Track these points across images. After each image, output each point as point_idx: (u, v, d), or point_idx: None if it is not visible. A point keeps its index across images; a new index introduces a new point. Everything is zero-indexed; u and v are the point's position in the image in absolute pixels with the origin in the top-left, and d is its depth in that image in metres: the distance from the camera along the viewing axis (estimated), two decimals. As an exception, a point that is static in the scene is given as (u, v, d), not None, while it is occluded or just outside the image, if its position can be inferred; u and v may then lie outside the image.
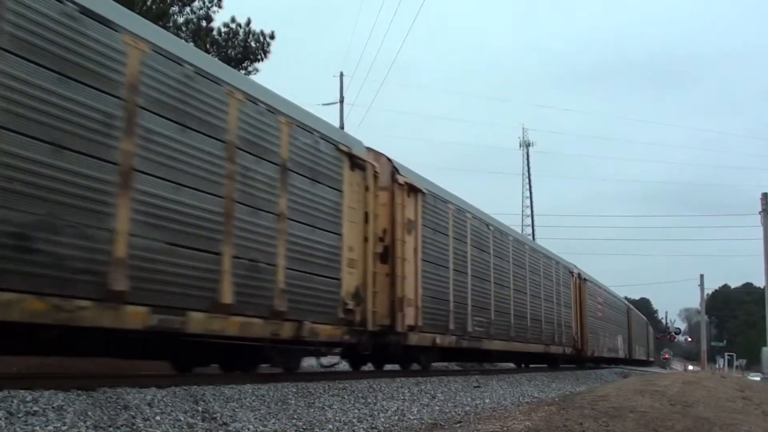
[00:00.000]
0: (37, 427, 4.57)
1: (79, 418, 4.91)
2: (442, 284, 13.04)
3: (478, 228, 15.12)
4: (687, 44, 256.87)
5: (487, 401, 10.12)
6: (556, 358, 21.53)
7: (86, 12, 6.10)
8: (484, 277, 15.19)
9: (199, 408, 6.00)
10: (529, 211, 58.87)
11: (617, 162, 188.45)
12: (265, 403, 6.77)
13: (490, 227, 15.95)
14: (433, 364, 14.22)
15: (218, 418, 5.85)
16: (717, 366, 55.69)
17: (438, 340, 12.68)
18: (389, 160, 11.62)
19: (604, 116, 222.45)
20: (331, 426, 6.49)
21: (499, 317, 15.94)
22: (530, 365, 21.14)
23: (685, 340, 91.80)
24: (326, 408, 7.22)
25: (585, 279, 24.72)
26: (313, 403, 7.32)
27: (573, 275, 23.36)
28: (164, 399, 5.93)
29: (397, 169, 11.68)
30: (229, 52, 17.86)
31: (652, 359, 51.49)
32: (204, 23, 17.79)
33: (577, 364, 24.25)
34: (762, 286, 42.33)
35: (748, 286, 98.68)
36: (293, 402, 7.14)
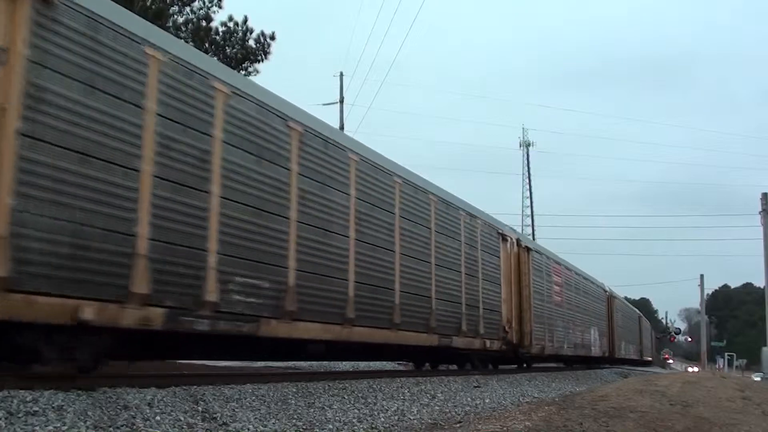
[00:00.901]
0: (37, 427, 4.57)
1: (79, 418, 4.91)
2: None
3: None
4: (686, 44, 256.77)
5: (487, 401, 10.12)
6: (469, 354, 14.74)
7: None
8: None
9: (199, 408, 6.00)
10: (529, 211, 58.80)
11: (617, 162, 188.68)
12: (265, 403, 6.77)
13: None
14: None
15: (218, 418, 5.85)
16: (717, 366, 55.67)
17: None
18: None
19: (604, 116, 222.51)
20: (331, 426, 6.49)
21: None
22: (422, 364, 14.69)
23: (685, 340, 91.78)
24: (326, 408, 7.22)
25: (529, 248, 18.12)
26: (313, 403, 7.32)
27: (507, 240, 16.54)
28: (164, 399, 5.93)
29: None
30: (227, 51, 17.85)
31: (649, 358, 48.52)
32: (204, 23, 17.77)
33: (517, 364, 18.52)
34: (762, 286, 42.37)
35: (748, 286, 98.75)
36: (293, 402, 7.14)
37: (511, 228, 17.94)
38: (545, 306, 18.85)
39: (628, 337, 35.34)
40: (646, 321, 49.18)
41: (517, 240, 17.64)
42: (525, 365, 19.09)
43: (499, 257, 15.81)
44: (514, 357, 17.18)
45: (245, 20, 18.07)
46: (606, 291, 29.76)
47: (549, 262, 19.90)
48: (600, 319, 27.13)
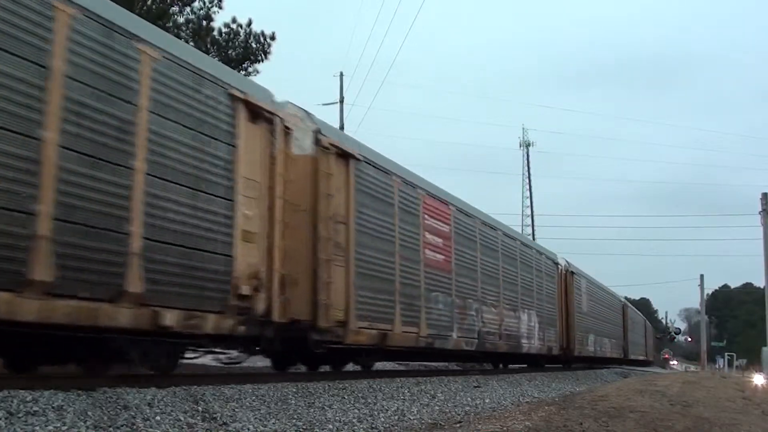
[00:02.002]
0: (37, 427, 4.57)
1: (79, 418, 4.91)
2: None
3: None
4: (684, 44, 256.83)
5: (487, 401, 10.12)
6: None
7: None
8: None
9: (199, 408, 6.00)
10: (529, 211, 58.79)
11: (617, 162, 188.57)
12: (265, 403, 6.77)
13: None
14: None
15: (218, 418, 5.85)
16: (717, 366, 55.62)
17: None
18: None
19: (604, 116, 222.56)
20: (331, 426, 6.50)
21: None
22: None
23: (685, 340, 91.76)
24: (326, 408, 7.22)
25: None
26: (313, 403, 7.32)
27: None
28: (164, 399, 5.93)
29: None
30: (229, 52, 17.86)
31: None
32: (204, 23, 17.77)
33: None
34: (762, 286, 42.31)
35: (748, 286, 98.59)
36: (293, 402, 7.14)
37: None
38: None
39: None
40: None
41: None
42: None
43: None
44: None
45: (249, 23, 18.11)
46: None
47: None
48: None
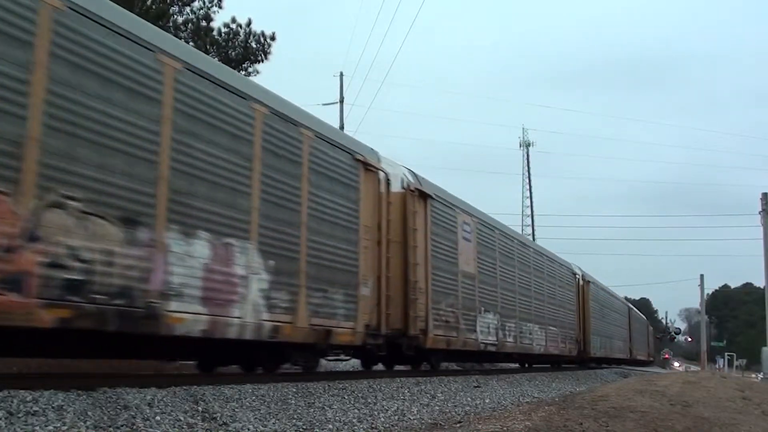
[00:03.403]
0: (37, 427, 4.57)
1: (79, 418, 4.91)
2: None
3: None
4: (685, 44, 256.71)
5: (487, 401, 10.12)
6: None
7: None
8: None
9: (199, 408, 6.00)
10: (529, 211, 58.79)
11: (616, 161, 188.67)
12: (265, 403, 6.77)
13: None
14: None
15: (218, 418, 5.85)
16: (717, 366, 55.61)
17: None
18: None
19: (604, 116, 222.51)
20: (331, 426, 6.49)
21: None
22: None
23: (685, 340, 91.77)
24: (326, 408, 7.22)
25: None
26: (313, 403, 7.32)
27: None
28: (164, 399, 5.93)
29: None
30: (229, 52, 17.85)
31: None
32: (204, 23, 17.77)
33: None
34: (762, 286, 42.31)
35: (748, 286, 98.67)
36: (293, 402, 7.14)
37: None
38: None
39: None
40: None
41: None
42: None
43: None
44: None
45: (249, 23, 18.10)
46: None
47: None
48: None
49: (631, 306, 41.80)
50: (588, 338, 25.07)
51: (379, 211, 10.72)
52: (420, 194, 12.12)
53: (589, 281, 26.20)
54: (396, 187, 11.43)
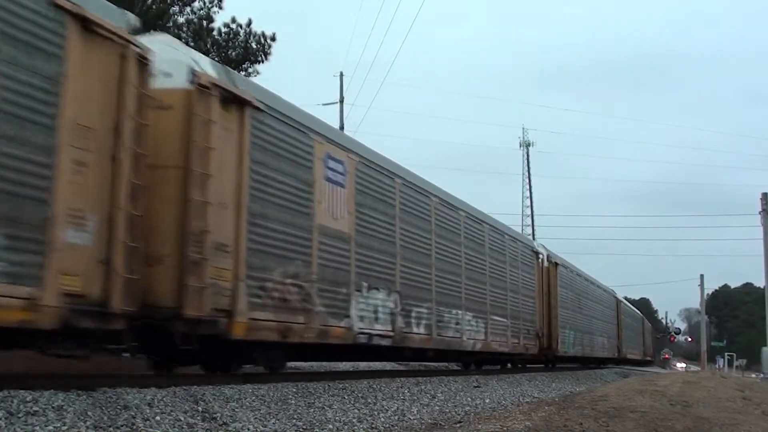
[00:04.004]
0: (37, 427, 4.57)
1: (79, 418, 4.91)
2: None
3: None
4: (685, 44, 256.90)
5: (487, 401, 10.12)
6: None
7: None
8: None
9: (199, 408, 6.00)
10: (529, 211, 58.77)
11: (616, 161, 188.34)
12: (265, 403, 6.77)
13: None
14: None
15: (218, 418, 5.85)
16: (717, 366, 55.61)
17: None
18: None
19: (605, 116, 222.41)
20: (331, 426, 6.50)
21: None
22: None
23: (685, 340, 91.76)
24: (326, 408, 7.22)
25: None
26: (313, 403, 7.32)
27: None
28: (164, 399, 5.93)
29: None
30: (229, 53, 17.85)
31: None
32: (204, 23, 17.77)
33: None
34: (762, 286, 42.27)
35: (748, 286, 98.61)
36: (293, 402, 7.15)
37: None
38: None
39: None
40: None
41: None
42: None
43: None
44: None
45: (249, 23, 18.10)
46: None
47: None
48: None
49: (622, 299, 37.64)
50: (554, 332, 20.30)
51: (118, 106, 6.50)
52: (228, 98, 7.86)
53: (557, 263, 21.47)
54: (169, 78, 7.47)
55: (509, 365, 19.16)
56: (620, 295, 36.30)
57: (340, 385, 8.66)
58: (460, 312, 13.80)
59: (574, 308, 23.38)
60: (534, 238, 49.12)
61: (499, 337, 16.10)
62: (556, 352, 20.62)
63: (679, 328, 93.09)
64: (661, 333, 76.85)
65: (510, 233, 18.22)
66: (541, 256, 20.40)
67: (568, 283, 22.88)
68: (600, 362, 29.60)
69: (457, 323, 13.66)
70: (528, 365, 20.24)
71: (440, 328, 12.86)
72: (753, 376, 38.29)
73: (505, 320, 16.49)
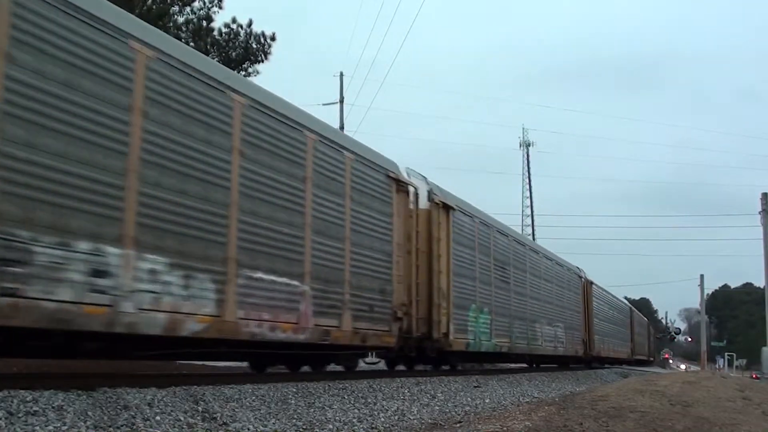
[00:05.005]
0: (37, 427, 4.57)
1: (79, 418, 4.91)
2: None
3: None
4: (682, 44, 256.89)
5: (487, 401, 10.12)
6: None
7: None
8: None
9: (199, 408, 6.00)
10: (529, 211, 58.72)
11: (616, 161, 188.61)
12: (265, 403, 6.77)
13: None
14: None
15: (218, 418, 5.85)
16: (717, 366, 55.60)
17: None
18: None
19: (605, 116, 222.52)
20: (331, 426, 6.50)
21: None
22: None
23: (685, 340, 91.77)
24: (326, 408, 7.22)
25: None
26: (313, 403, 7.32)
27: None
28: (164, 399, 5.93)
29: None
30: (229, 53, 17.85)
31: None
32: (204, 23, 17.76)
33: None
34: (762, 286, 42.27)
35: (748, 286, 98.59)
36: (293, 402, 7.14)
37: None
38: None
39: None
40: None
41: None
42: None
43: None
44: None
45: (249, 23, 18.10)
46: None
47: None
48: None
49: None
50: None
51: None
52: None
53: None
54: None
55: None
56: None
57: (340, 385, 8.65)
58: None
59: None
60: (534, 238, 49.04)
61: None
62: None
63: (679, 328, 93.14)
64: (661, 333, 76.84)
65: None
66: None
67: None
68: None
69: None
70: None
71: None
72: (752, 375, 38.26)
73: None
